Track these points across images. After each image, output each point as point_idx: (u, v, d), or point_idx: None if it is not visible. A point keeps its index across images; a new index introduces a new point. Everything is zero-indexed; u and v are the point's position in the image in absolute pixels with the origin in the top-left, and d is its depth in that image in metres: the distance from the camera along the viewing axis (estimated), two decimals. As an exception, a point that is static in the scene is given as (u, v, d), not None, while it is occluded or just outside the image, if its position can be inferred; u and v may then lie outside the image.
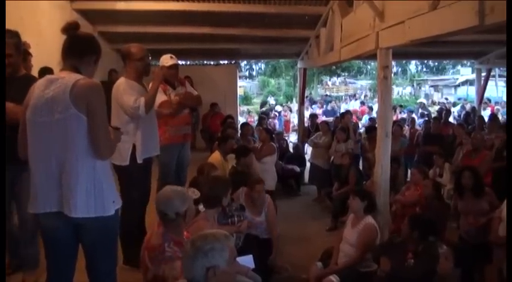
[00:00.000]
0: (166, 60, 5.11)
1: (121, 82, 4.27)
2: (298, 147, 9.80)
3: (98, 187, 2.63)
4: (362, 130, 10.37)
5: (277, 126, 14.95)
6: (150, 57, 4.38)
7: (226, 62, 13.79)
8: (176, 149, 5.37)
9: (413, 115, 13.95)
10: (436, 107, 18.32)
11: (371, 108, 15.68)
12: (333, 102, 20.09)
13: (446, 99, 23.50)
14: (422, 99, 20.45)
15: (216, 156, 5.83)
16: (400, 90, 33.11)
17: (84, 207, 2.59)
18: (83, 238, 2.75)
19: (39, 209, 2.65)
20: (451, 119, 11.77)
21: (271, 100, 28.47)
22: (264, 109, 19.38)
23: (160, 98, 4.79)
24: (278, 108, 19.60)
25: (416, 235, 3.82)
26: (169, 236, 2.78)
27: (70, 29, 2.70)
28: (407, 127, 10.52)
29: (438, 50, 11.81)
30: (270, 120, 14.87)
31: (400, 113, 15.10)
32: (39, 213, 2.66)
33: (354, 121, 10.74)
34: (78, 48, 2.71)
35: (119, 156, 4.22)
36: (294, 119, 15.86)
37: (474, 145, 6.59)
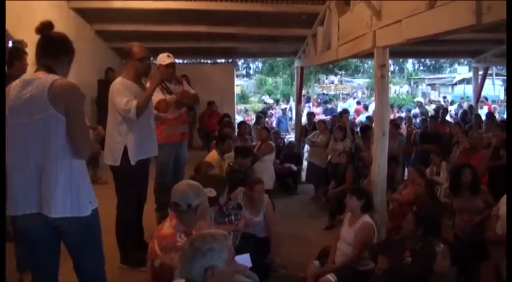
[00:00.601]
0: (164, 58, 5.10)
1: (117, 82, 4.22)
2: (293, 146, 9.79)
3: (75, 187, 2.63)
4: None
5: (274, 124, 14.94)
6: (151, 58, 4.32)
7: (223, 60, 13.77)
8: (174, 148, 5.37)
9: (412, 114, 13.98)
10: (433, 106, 18.32)
11: (366, 107, 15.65)
12: (329, 101, 19.99)
13: (445, 97, 23.48)
14: (419, 98, 20.48)
15: (213, 155, 5.82)
16: (397, 89, 33.16)
17: (62, 207, 2.59)
18: (64, 239, 2.75)
19: (19, 210, 2.64)
20: (448, 118, 11.75)
21: (267, 99, 28.43)
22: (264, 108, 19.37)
23: (157, 97, 4.77)
24: (283, 105, 19.52)
25: (421, 232, 3.82)
26: (181, 228, 2.80)
27: (44, 29, 2.69)
28: (404, 126, 10.54)
29: (435, 48, 11.83)
30: (267, 119, 14.88)
31: (398, 112, 15.12)
32: (18, 215, 2.65)
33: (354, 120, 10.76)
34: (53, 48, 2.70)
35: (111, 156, 4.22)
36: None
37: (472, 144, 6.61)
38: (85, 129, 2.67)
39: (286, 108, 17.54)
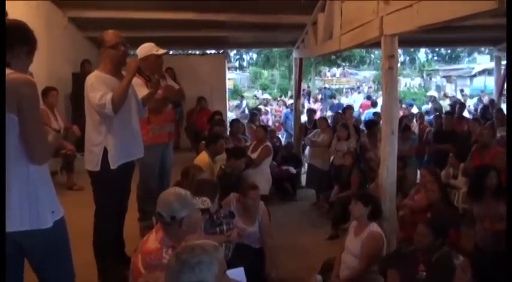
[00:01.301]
0: (154, 48, 5.14)
1: (91, 76, 4.16)
2: (292, 146, 9.80)
3: (32, 196, 2.59)
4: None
5: (270, 123, 14.97)
6: (127, 45, 4.27)
7: (213, 51, 13.76)
8: (160, 150, 5.38)
9: (425, 110, 13.95)
10: (449, 101, 18.32)
11: (374, 104, 15.59)
12: (330, 98, 19.86)
13: (462, 90, 23.46)
14: (432, 92, 20.48)
15: (203, 158, 5.82)
16: (408, 82, 33.22)
17: (18, 219, 2.55)
18: (25, 255, 2.72)
19: None
20: (465, 114, 11.76)
21: (260, 94, 28.38)
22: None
23: (142, 92, 4.74)
24: (289, 101, 19.37)
25: (439, 242, 3.81)
26: (168, 242, 2.79)
27: None
28: (415, 123, 10.55)
29: (451, 36, 11.77)
30: (263, 116, 14.89)
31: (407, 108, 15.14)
32: None
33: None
34: (6, 38, 2.58)
35: (91, 161, 4.20)
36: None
37: (482, 141, 6.57)
38: (41, 131, 2.60)
39: (302, 103, 17.50)
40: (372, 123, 8.30)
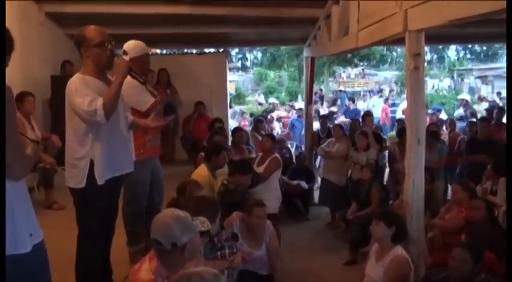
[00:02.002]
0: (144, 47, 5.22)
1: (73, 80, 4.12)
2: (303, 158, 9.78)
3: (8, 217, 2.57)
4: (387, 136, 10.40)
5: (275, 132, 14.95)
6: (113, 43, 4.26)
7: (212, 50, 13.79)
8: (152, 164, 5.42)
9: (456, 115, 13.88)
10: (485, 105, 18.23)
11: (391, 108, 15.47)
12: (348, 101, 19.72)
13: (499, 93, 23.28)
14: (464, 95, 20.38)
15: (201, 172, 5.81)
16: (436, 83, 33.23)
17: None
18: None
19: None
20: (505, 120, 11.67)
21: (260, 98, 28.39)
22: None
23: (149, 99, 4.83)
24: (297, 105, 19.33)
25: (478, 269, 3.78)
26: (164, 272, 2.79)
27: None
28: (445, 130, 10.51)
29: (487, 30, 11.68)
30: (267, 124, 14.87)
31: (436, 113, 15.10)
32: None
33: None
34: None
35: (74, 176, 4.19)
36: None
37: None
38: (17, 142, 2.60)
39: (302, 109, 17.46)
40: (405, 130, 8.31)
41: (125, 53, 5.20)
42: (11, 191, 2.60)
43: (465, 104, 15.93)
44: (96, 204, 4.23)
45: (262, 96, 30.48)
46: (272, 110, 18.88)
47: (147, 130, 5.16)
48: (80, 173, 4.13)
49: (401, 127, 9.34)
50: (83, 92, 4.00)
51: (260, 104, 26.36)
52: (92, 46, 4.10)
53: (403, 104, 16.64)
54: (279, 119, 16.92)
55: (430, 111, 14.90)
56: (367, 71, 35.79)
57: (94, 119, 3.97)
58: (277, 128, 15.72)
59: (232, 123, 15.26)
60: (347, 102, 18.57)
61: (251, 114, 19.40)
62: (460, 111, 15.21)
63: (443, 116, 14.55)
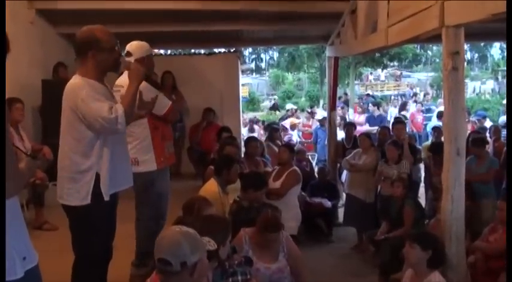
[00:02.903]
0: (148, 48, 5.43)
1: (80, 84, 4.13)
2: (326, 171, 9.77)
3: None
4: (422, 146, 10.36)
5: (293, 141, 14.94)
6: (119, 45, 4.33)
7: (222, 50, 13.85)
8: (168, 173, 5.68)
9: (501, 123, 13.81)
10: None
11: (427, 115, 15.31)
12: (372, 106, 19.42)
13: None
14: (512, 99, 20.23)
15: (211, 187, 5.82)
16: (478, 86, 33.09)
17: None
18: None
19: None
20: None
21: (267, 104, 28.40)
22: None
23: (167, 102, 5.10)
24: (319, 112, 19.29)
25: None
26: None
27: None
28: (489, 140, 10.45)
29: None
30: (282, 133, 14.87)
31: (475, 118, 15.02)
32: None
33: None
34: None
35: (75, 192, 4.17)
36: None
37: None
38: (9, 155, 2.60)
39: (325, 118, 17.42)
40: (439, 145, 8.29)
41: (128, 54, 5.34)
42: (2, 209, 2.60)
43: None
44: (100, 225, 4.24)
45: (273, 102, 30.43)
46: (287, 117, 18.88)
47: (165, 136, 5.39)
48: (83, 188, 4.12)
49: (434, 143, 9.33)
50: (95, 96, 4.05)
51: (275, 110, 26.30)
52: (104, 49, 4.16)
53: (439, 110, 16.60)
54: (293, 127, 16.87)
55: (473, 118, 14.83)
56: (399, 73, 35.77)
57: (114, 128, 4.03)
58: (295, 137, 15.71)
59: (244, 132, 15.26)
60: (371, 107, 18.42)
61: (263, 122, 19.44)
62: (504, 118, 15.12)
63: (487, 123, 14.48)
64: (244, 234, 4.74)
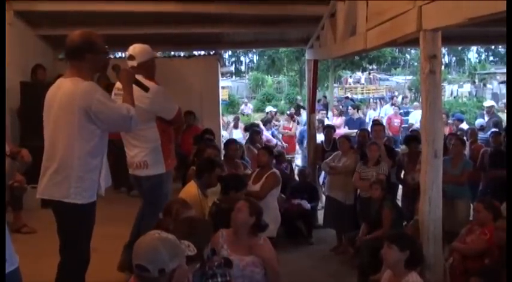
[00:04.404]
0: (151, 51, 5.65)
1: (92, 85, 4.20)
2: (306, 174, 9.79)
3: None
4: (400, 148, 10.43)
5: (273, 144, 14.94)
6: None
7: (202, 52, 13.82)
8: None
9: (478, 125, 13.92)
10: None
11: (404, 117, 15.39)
12: (352, 109, 19.49)
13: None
14: (490, 102, 20.34)
15: (191, 190, 5.80)
16: (455, 89, 33.33)
17: None
18: None
19: None
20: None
21: (247, 109, 28.41)
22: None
23: (175, 105, 5.33)
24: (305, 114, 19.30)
25: None
26: None
27: None
28: (466, 142, 10.52)
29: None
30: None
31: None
32: None
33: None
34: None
35: (81, 191, 4.18)
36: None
37: None
38: None
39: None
40: (412, 139, 8.37)
41: (131, 58, 5.43)
42: None
43: (492, 112, 15.97)
44: (92, 223, 4.34)
45: (249, 105, 30.39)
46: (270, 120, 18.86)
47: (171, 138, 5.56)
48: (90, 187, 4.21)
49: (409, 135, 9.38)
50: (109, 98, 4.31)
51: (243, 113, 26.34)
52: (100, 52, 4.31)
53: (416, 113, 16.72)
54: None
55: (450, 120, 14.94)
56: (377, 76, 35.94)
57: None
58: (274, 140, 15.70)
59: (224, 135, 15.24)
60: (350, 110, 18.48)
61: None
62: (480, 121, 15.23)
63: (463, 126, 14.59)
64: (221, 232, 4.74)
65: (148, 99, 5.08)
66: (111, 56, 12.35)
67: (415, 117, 16.81)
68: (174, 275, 2.79)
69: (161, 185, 5.48)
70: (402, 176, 8.74)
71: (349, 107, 19.38)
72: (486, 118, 15.30)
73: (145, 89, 4.78)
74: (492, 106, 16.65)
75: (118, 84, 5.27)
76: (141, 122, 4.77)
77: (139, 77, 4.94)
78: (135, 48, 5.49)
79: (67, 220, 4.27)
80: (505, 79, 31.33)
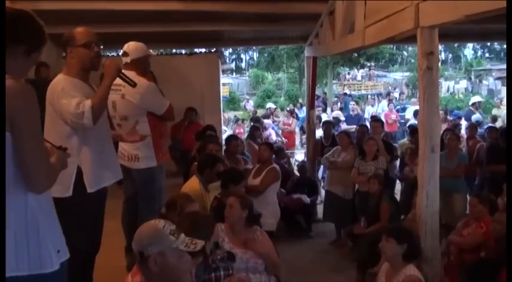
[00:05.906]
0: (145, 49, 5.71)
1: (59, 80, 4.25)
2: (305, 169, 9.79)
3: (32, 232, 2.56)
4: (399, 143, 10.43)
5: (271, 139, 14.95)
6: (101, 46, 4.40)
7: (203, 50, 13.82)
8: None
9: (475, 120, 13.95)
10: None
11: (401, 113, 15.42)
12: (353, 104, 19.58)
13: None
14: (476, 97, 20.19)
15: (193, 184, 5.81)
16: (452, 86, 33.29)
17: (13, 261, 2.50)
18: None
19: None
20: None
21: (249, 105, 28.38)
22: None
23: (165, 101, 5.28)
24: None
25: None
26: None
27: None
28: (463, 137, 10.51)
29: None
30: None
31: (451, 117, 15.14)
32: None
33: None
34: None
35: (58, 184, 4.19)
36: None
37: None
38: (41, 150, 2.62)
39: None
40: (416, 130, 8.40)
41: (125, 54, 5.51)
42: (34, 204, 2.59)
43: (477, 107, 16.04)
44: (83, 217, 4.26)
45: (250, 102, 30.37)
46: (269, 116, 18.87)
47: (162, 134, 5.56)
48: (65, 180, 4.11)
49: (414, 126, 9.37)
50: (70, 93, 4.14)
51: (246, 109, 26.33)
52: (78, 46, 4.26)
53: (412, 108, 16.72)
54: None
55: (449, 117, 14.97)
56: (375, 72, 35.87)
57: (81, 122, 4.09)
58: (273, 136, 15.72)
59: (225, 131, 15.24)
60: (352, 105, 18.53)
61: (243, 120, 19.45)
62: (477, 116, 15.26)
63: (462, 123, 14.61)
64: (220, 225, 4.74)
65: (138, 95, 5.17)
66: (113, 54, 12.43)
67: (412, 113, 16.83)
68: (150, 259, 2.74)
69: (153, 179, 5.54)
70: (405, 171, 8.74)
71: (351, 103, 19.45)
72: (477, 113, 15.37)
73: (132, 83, 4.72)
74: (477, 102, 16.83)
75: (117, 80, 5.27)
76: (133, 116, 5.04)
77: (131, 74, 4.95)
78: (129, 46, 5.57)
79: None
80: (500, 75, 31.43)
